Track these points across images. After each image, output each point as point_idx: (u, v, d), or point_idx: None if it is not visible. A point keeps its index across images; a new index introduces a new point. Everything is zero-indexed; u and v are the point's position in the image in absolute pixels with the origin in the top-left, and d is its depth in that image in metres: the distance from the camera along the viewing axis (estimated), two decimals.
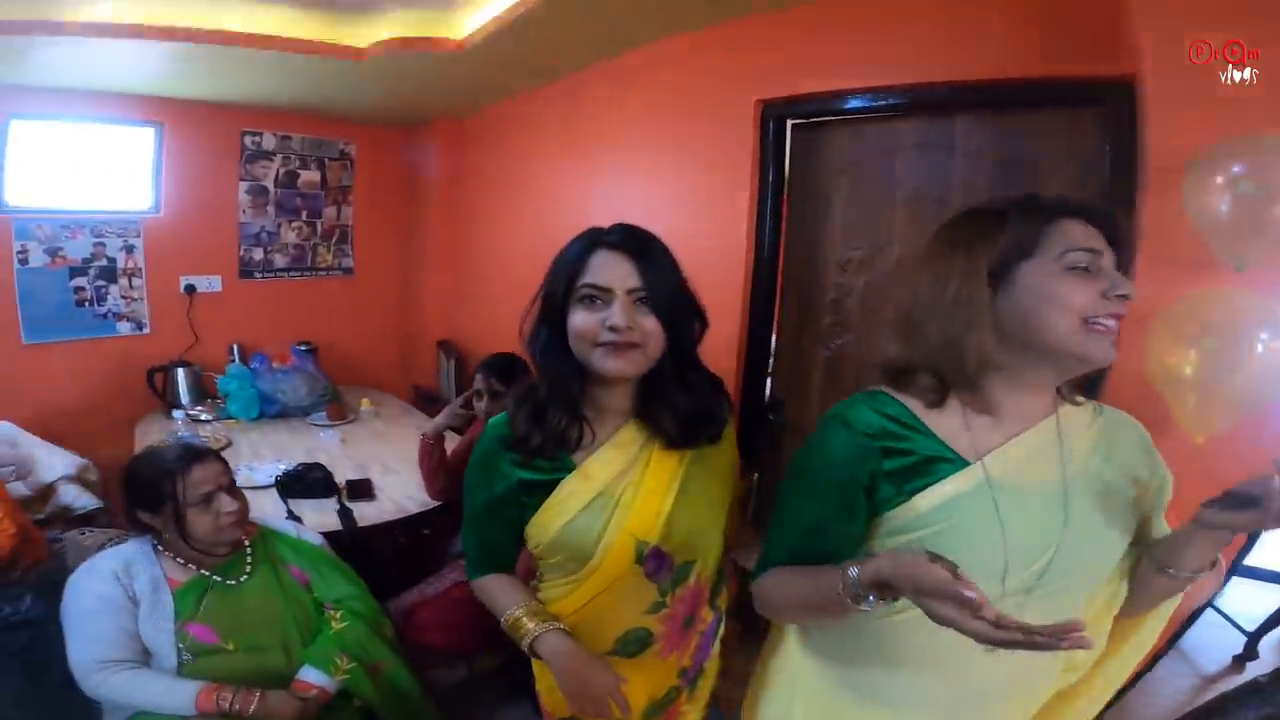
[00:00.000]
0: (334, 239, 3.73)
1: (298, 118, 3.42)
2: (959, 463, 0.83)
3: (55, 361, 3.03)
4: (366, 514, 2.08)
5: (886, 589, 0.73)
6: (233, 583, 1.51)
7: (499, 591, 1.11)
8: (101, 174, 3.06)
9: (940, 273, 0.85)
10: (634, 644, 1.12)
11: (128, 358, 3.15)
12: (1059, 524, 0.83)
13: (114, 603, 1.40)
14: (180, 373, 3.07)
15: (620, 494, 1.03)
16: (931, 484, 0.83)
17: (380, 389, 3.51)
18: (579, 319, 0.95)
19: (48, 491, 2.21)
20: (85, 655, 1.37)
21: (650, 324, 0.95)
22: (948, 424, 0.86)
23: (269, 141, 3.42)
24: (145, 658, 1.42)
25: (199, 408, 3.02)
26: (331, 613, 1.59)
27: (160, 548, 1.49)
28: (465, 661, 2.16)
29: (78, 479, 2.25)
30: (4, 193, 2.88)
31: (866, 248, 1.87)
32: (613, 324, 0.92)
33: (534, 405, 1.03)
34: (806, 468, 0.91)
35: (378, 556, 2.12)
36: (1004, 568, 0.81)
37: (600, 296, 0.95)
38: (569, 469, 1.03)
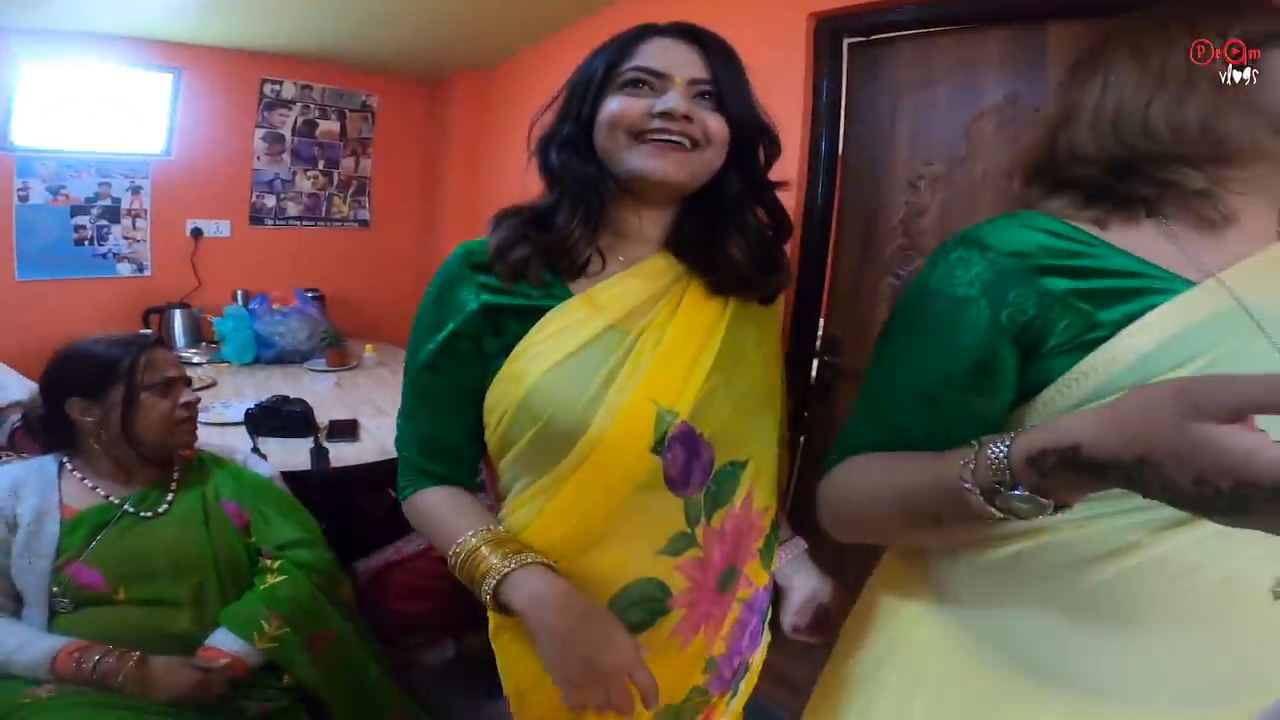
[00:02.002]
0: (350, 190, 3.44)
1: (320, 67, 3.15)
2: (1177, 283, 0.51)
3: (49, 300, 2.75)
4: (345, 455, 1.71)
5: (1075, 475, 0.41)
6: (147, 515, 1.16)
7: (445, 510, 0.72)
8: (113, 116, 2.80)
9: (1154, 49, 0.54)
10: (640, 609, 0.72)
11: (125, 299, 2.86)
12: None
13: None
14: (177, 314, 2.78)
15: (638, 336, 0.68)
16: (1143, 309, 0.49)
17: (393, 343, 3.18)
18: (616, 105, 0.66)
19: None
20: None
21: (714, 124, 0.67)
22: (1141, 241, 0.53)
23: (289, 90, 3.15)
24: (13, 604, 1.08)
25: (193, 350, 2.71)
26: (267, 563, 1.22)
27: (69, 466, 1.16)
28: (453, 640, 1.75)
29: (28, 405, 1.91)
30: (10, 132, 2.64)
31: (942, 163, 1.52)
32: (666, 108, 0.64)
33: (530, 214, 0.72)
34: (915, 309, 0.58)
35: (353, 507, 1.74)
36: None
37: (651, 82, 0.67)
38: (563, 294, 0.70)
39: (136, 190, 2.88)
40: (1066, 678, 0.56)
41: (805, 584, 0.85)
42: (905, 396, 0.58)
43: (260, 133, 3.13)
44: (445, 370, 0.71)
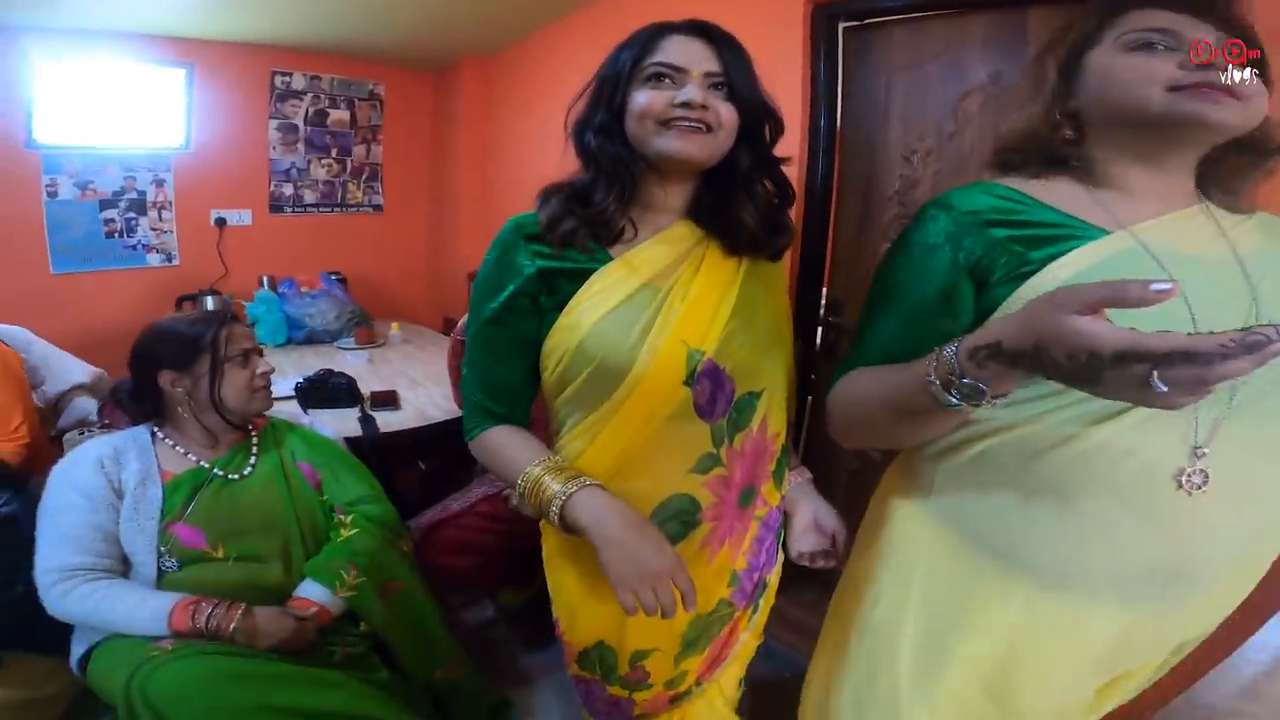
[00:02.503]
0: (364, 176, 3.50)
1: (327, 58, 3.20)
2: (1096, 232, 0.66)
3: (85, 290, 2.84)
4: (389, 421, 1.83)
5: (999, 363, 0.54)
6: (235, 477, 1.26)
7: (510, 445, 0.84)
8: (132, 112, 2.86)
9: (1026, 74, 0.77)
10: (675, 521, 0.85)
11: (157, 288, 2.95)
12: (1247, 299, 0.63)
13: (94, 496, 1.15)
14: (209, 300, 2.85)
15: (669, 291, 0.81)
16: (1067, 251, 0.65)
17: (412, 322, 3.29)
18: (644, 97, 0.77)
19: (59, 404, 1.99)
20: (51, 560, 1.11)
21: (726, 111, 0.78)
22: (1072, 199, 0.69)
23: (299, 81, 3.20)
24: (123, 566, 1.16)
25: None
26: (341, 518, 1.32)
27: (160, 434, 1.25)
28: (490, 598, 1.85)
29: (91, 389, 2.02)
30: (33, 131, 2.69)
31: (932, 139, 1.62)
32: (686, 99, 0.75)
33: (571, 191, 0.83)
34: (898, 256, 0.74)
35: (402, 470, 1.87)
36: None
37: (671, 76, 0.78)
38: (605, 258, 0.82)
39: (160, 183, 2.95)
40: (1027, 566, 0.70)
41: (808, 509, 0.99)
42: (891, 322, 0.73)
43: (274, 123, 3.18)
44: (507, 323, 0.82)
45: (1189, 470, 0.62)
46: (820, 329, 1.88)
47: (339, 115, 3.36)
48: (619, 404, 0.80)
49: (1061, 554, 0.69)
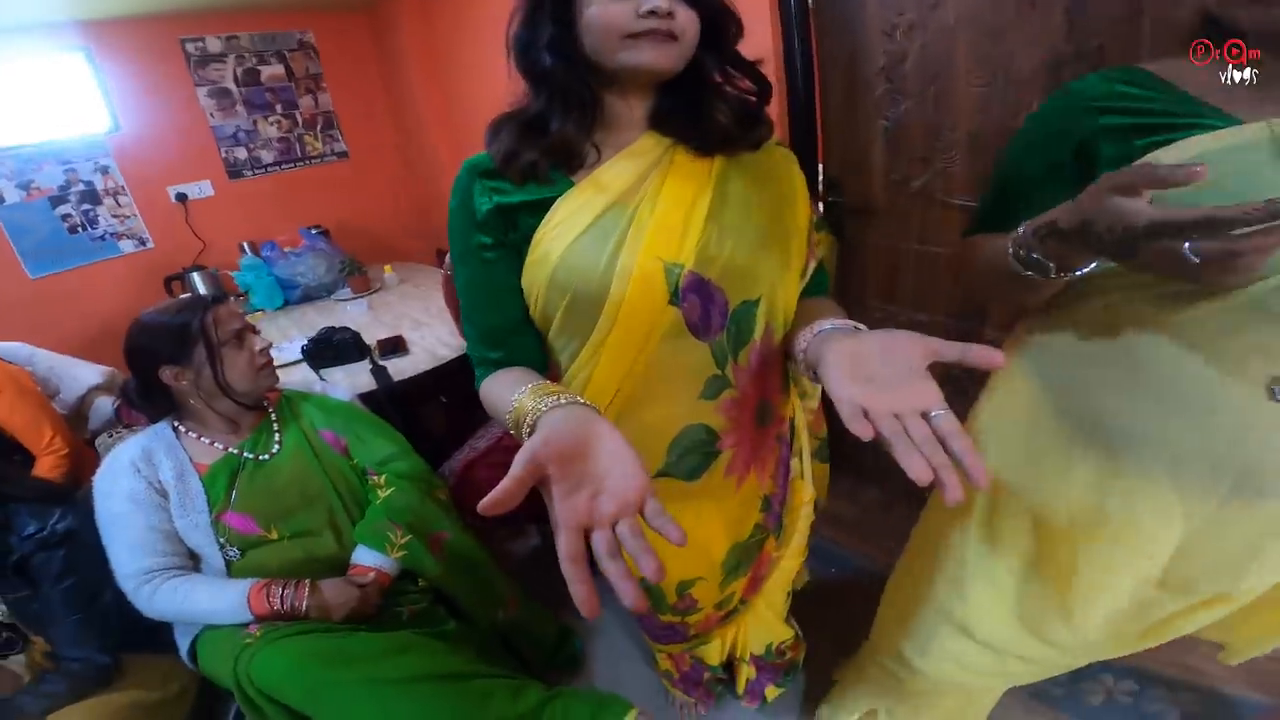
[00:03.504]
0: (319, 126, 3.33)
1: (239, 15, 2.95)
2: (1225, 121, 0.60)
3: (70, 289, 2.77)
4: (401, 368, 1.82)
5: (1056, 241, 0.59)
6: (265, 458, 1.25)
7: (502, 383, 0.73)
8: (51, 104, 2.68)
9: None
10: (693, 455, 0.80)
11: (140, 273, 2.88)
12: None
13: (141, 499, 1.15)
14: (196, 277, 2.79)
15: (636, 207, 0.75)
16: (1178, 138, 0.60)
17: (405, 261, 3.22)
18: (600, 8, 0.69)
19: (82, 408, 1.99)
20: (127, 567, 1.14)
21: (686, 15, 0.70)
22: (1225, 92, 0.61)
23: (214, 45, 2.97)
24: (192, 560, 1.19)
25: None
26: (375, 479, 1.32)
27: (182, 428, 1.24)
28: (535, 524, 1.86)
29: (106, 388, 2.01)
30: None
31: (914, 11, 1.51)
32: (652, 6, 0.67)
33: (524, 119, 0.76)
34: (1017, 134, 0.75)
35: (422, 415, 1.88)
36: None
37: None
38: (565, 186, 0.76)
39: (105, 170, 2.81)
40: (1098, 435, 0.72)
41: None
42: (996, 193, 0.78)
43: (203, 90, 2.99)
44: (481, 268, 0.78)
45: None
46: (821, 206, 1.84)
47: (272, 70, 3.14)
48: (605, 334, 0.75)
49: (1131, 439, 0.70)
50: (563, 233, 0.73)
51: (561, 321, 0.77)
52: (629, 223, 0.74)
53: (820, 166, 1.81)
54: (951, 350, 0.56)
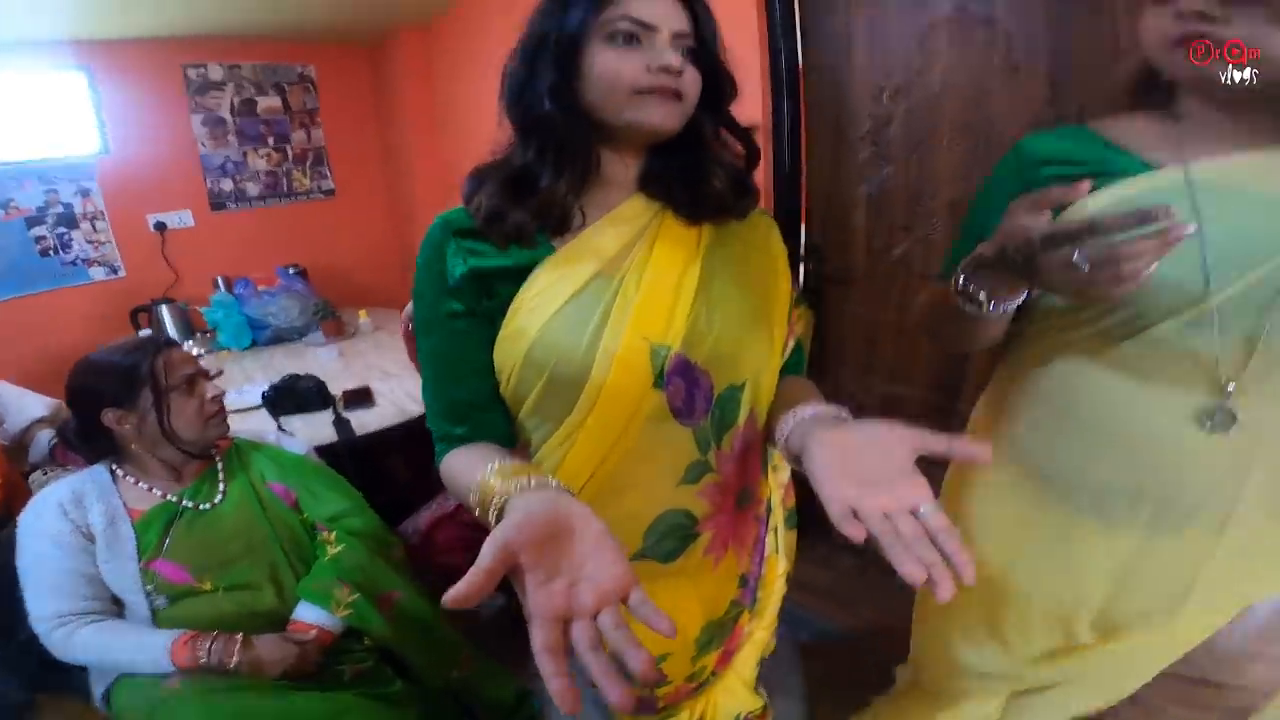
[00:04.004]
0: (309, 162, 3.33)
1: (245, 45, 2.97)
2: (1145, 169, 0.67)
3: (33, 315, 2.70)
4: (366, 421, 1.76)
5: (984, 270, 0.66)
6: (206, 507, 1.20)
7: (465, 461, 0.67)
8: (41, 122, 2.66)
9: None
10: (671, 538, 0.76)
11: (106, 303, 2.81)
12: None
13: (65, 542, 1.10)
14: (164, 310, 2.73)
15: (622, 278, 0.70)
16: (1104, 186, 0.67)
17: (380, 306, 3.16)
18: (611, 59, 0.66)
19: (24, 439, 1.90)
20: (43, 610, 1.08)
21: (691, 74, 0.68)
22: (1151, 138, 0.69)
23: (215, 72, 2.99)
24: (115, 606, 1.13)
25: (189, 342, 2.69)
26: (325, 535, 1.27)
27: (120, 472, 1.19)
28: (499, 587, 1.80)
29: (51, 421, 1.92)
30: None
31: (902, 75, 1.55)
32: (665, 64, 0.65)
33: (511, 173, 0.70)
34: (979, 189, 0.84)
35: (385, 471, 1.81)
36: (1204, 273, 0.63)
37: (639, 35, 0.66)
38: (547, 252, 0.71)
39: (86, 193, 2.78)
40: (1034, 473, 0.79)
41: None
42: (961, 245, 0.81)
43: (198, 118, 2.99)
44: (449, 338, 0.72)
45: (1214, 408, 0.66)
46: (802, 272, 1.84)
47: (269, 102, 3.15)
48: (583, 417, 0.70)
49: (1065, 466, 0.77)
50: (542, 304, 0.68)
51: (535, 402, 0.71)
52: (614, 297, 0.69)
53: (803, 232, 1.82)
54: (938, 444, 0.55)
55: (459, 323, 0.71)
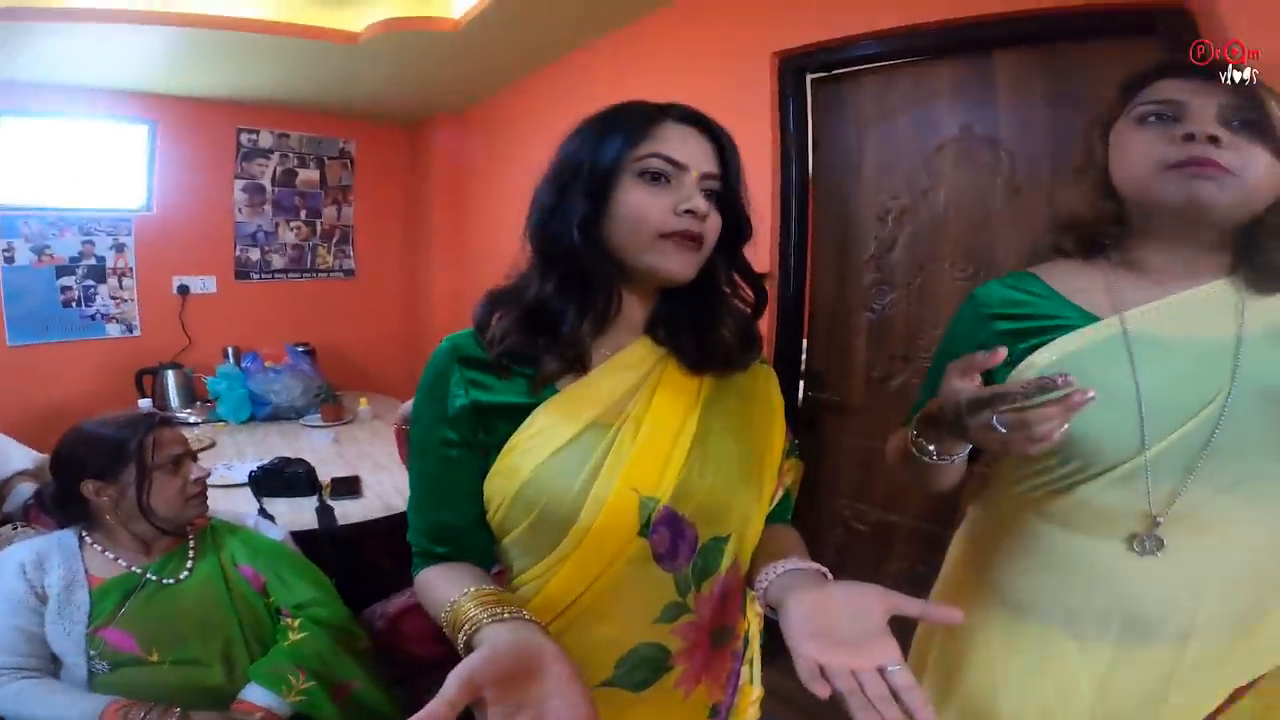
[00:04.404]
0: (334, 239, 3.47)
1: (295, 115, 3.18)
2: (1088, 320, 0.75)
3: (41, 364, 2.76)
4: (351, 512, 1.75)
5: (934, 429, 0.71)
6: (170, 582, 1.20)
7: (442, 578, 0.69)
8: (92, 171, 2.81)
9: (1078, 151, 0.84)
10: (642, 669, 0.75)
11: (116, 361, 2.87)
12: (1224, 377, 0.69)
13: (16, 599, 1.10)
14: (170, 375, 2.78)
15: (620, 428, 0.70)
16: (1051, 340, 0.75)
17: (385, 394, 3.19)
18: (640, 197, 0.67)
19: (3, 489, 1.88)
20: None
21: (714, 220, 0.70)
22: (1088, 286, 0.77)
23: (266, 139, 3.18)
24: (52, 665, 1.12)
25: (188, 410, 2.72)
26: (289, 621, 1.25)
27: (89, 539, 1.20)
28: None
29: (35, 475, 1.92)
30: None
31: (908, 195, 1.61)
32: (692, 207, 0.66)
33: (531, 306, 0.70)
34: (947, 331, 0.90)
35: (363, 561, 1.78)
36: (1139, 427, 0.70)
37: (670, 175, 0.67)
38: (549, 393, 0.71)
39: (120, 248, 2.90)
40: (1034, 611, 0.82)
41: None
42: (925, 391, 0.87)
43: (240, 184, 3.14)
44: (449, 464, 0.72)
45: (1142, 534, 0.72)
46: (800, 399, 1.85)
47: (308, 175, 3.32)
48: (566, 554, 0.70)
49: (1037, 595, 0.82)
50: (538, 446, 0.68)
51: (521, 535, 0.71)
52: (610, 446, 0.69)
53: (804, 358, 1.84)
54: (913, 606, 0.57)
55: (452, 451, 0.71)
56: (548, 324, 0.69)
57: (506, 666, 0.49)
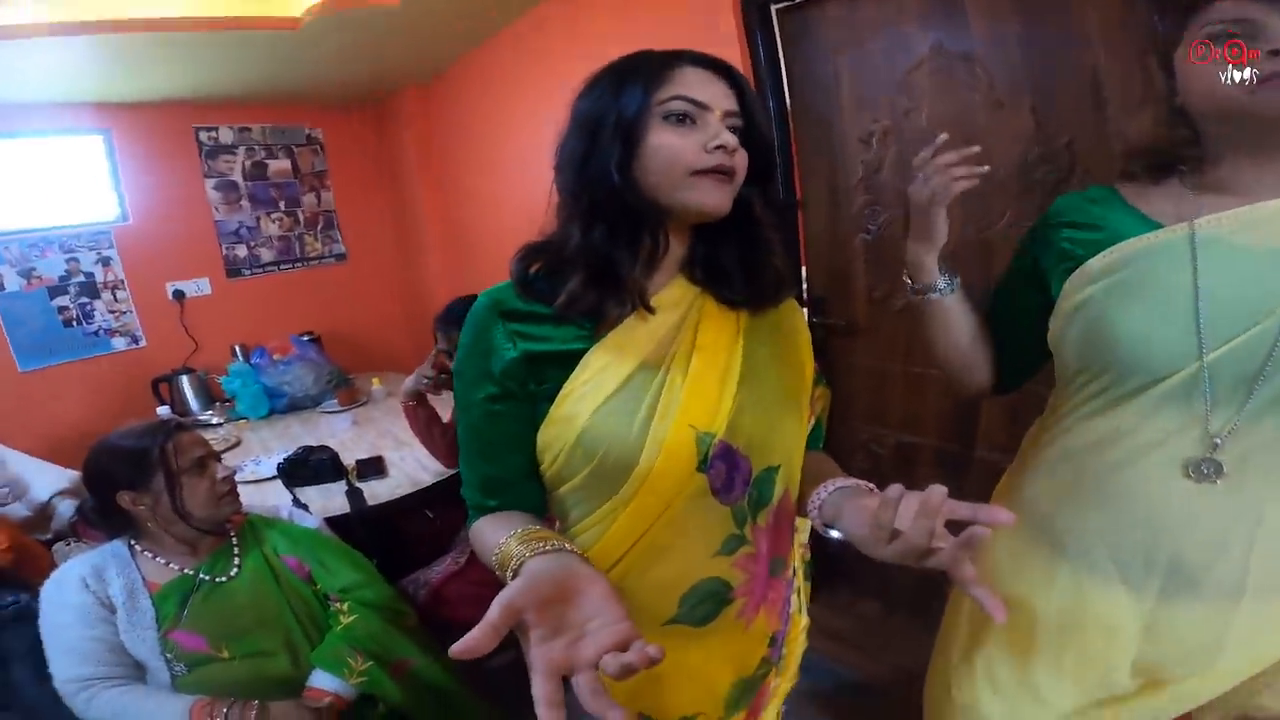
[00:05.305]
0: (319, 226, 3.44)
1: (252, 107, 3.12)
2: (1146, 228, 0.74)
3: (55, 386, 2.80)
4: (379, 492, 1.82)
5: (909, 269, 0.91)
6: (222, 580, 1.26)
7: (493, 524, 0.72)
8: (59, 188, 2.77)
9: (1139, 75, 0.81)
10: (706, 604, 0.78)
11: (128, 373, 2.92)
12: None
13: (87, 612, 1.15)
14: (184, 380, 2.83)
15: (668, 368, 0.72)
16: (1106, 246, 0.75)
17: (396, 371, 3.23)
18: (670, 139, 0.67)
19: (47, 509, 1.97)
20: (65, 673, 1.13)
21: (742, 154, 0.70)
22: (1166, 208, 0.75)
23: (227, 135, 3.12)
24: (137, 671, 1.18)
25: (209, 412, 2.79)
26: (338, 606, 1.32)
27: (138, 547, 1.25)
28: (515, 639, 1.82)
29: (74, 492, 2.00)
30: None
31: (889, 117, 1.60)
32: (723, 142, 0.67)
33: (589, 252, 0.70)
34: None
35: (397, 537, 1.86)
36: (1195, 332, 0.68)
37: (694, 115, 0.68)
38: (593, 338, 0.72)
39: (106, 262, 2.89)
40: (1056, 540, 0.83)
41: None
42: (999, 291, 0.95)
43: (210, 183, 3.11)
44: (496, 418, 0.73)
45: (1199, 459, 0.69)
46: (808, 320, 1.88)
47: (279, 165, 3.28)
48: (628, 499, 0.72)
49: (1082, 534, 0.80)
50: (591, 392, 0.69)
51: (581, 483, 0.73)
52: (662, 385, 0.70)
53: (804, 285, 1.86)
54: (964, 509, 0.57)
55: (498, 405, 0.73)
56: (606, 271, 0.70)
57: (545, 591, 0.52)
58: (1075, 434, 0.81)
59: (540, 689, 0.46)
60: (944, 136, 0.81)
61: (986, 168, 0.81)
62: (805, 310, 1.83)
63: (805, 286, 1.86)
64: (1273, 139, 0.67)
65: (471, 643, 0.46)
